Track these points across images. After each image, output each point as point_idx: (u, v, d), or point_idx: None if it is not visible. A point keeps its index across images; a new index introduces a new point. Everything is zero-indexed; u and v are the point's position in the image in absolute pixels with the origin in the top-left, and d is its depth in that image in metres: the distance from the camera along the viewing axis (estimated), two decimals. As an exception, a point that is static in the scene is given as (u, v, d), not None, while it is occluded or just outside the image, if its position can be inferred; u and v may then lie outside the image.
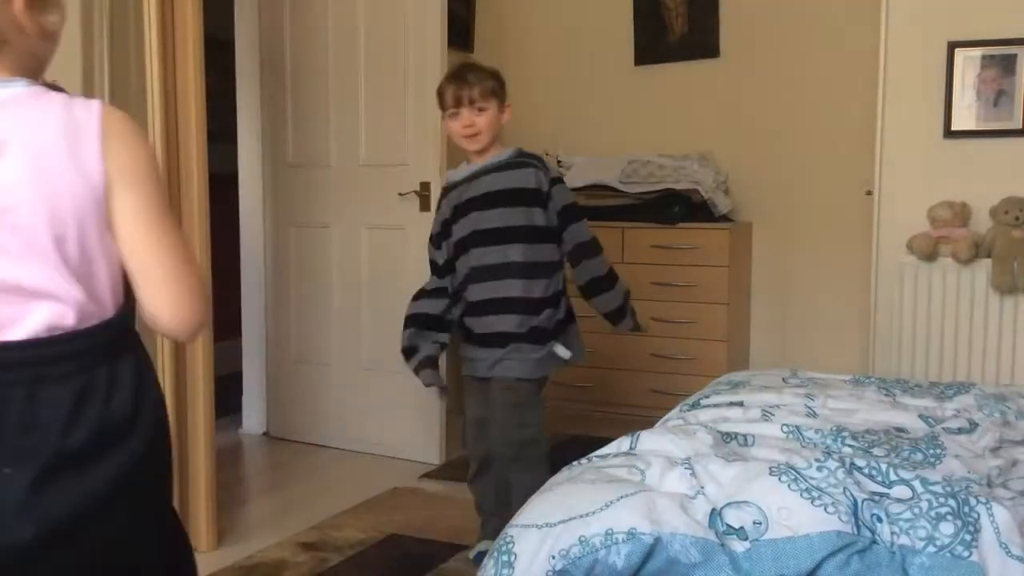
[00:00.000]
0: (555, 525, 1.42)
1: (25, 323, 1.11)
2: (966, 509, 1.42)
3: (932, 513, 1.41)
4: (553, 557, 1.38)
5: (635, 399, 4.24)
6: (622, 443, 1.76)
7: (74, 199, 1.10)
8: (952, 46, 3.34)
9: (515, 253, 2.62)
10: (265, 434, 4.13)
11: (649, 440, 1.74)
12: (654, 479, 1.56)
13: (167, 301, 1.16)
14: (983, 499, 1.44)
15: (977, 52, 3.32)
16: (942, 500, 1.44)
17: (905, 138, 3.44)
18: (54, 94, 1.16)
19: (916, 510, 1.43)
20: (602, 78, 4.78)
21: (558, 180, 2.74)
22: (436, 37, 3.57)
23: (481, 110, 2.60)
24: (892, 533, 1.40)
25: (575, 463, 1.71)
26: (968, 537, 1.37)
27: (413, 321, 2.79)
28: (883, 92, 3.46)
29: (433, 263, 2.83)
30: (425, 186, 3.63)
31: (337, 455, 3.83)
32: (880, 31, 3.46)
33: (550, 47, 4.88)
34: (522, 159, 2.68)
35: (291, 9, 3.93)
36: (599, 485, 1.52)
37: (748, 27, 4.43)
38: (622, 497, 1.44)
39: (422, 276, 3.72)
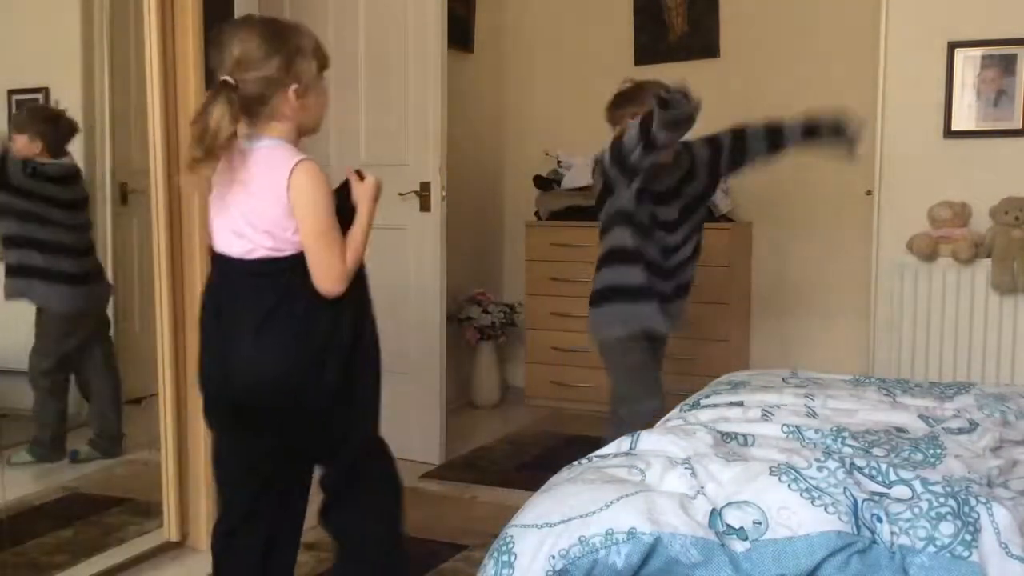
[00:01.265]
0: (555, 525, 1.42)
1: (254, 252, 1.86)
2: (966, 509, 1.42)
3: (932, 513, 1.41)
4: (553, 557, 1.38)
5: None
6: (622, 443, 1.76)
7: (274, 211, 1.84)
8: (952, 46, 3.34)
9: None
10: (265, 434, 4.12)
11: (649, 440, 1.74)
12: (654, 479, 1.56)
13: (314, 274, 1.85)
14: (983, 499, 1.44)
15: (977, 52, 3.32)
16: (942, 500, 1.44)
17: (905, 138, 3.45)
18: (282, 150, 1.86)
19: (916, 510, 1.43)
20: (602, 78, 4.76)
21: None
22: (436, 37, 3.56)
23: None
24: (892, 533, 1.40)
25: (575, 463, 1.71)
26: (968, 537, 1.37)
27: None
28: (883, 92, 3.46)
29: None
30: (425, 186, 3.63)
31: (337, 455, 3.83)
32: (880, 31, 3.46)
33: (550, 47, 4.88)
34: None
35: (291, 9, 3.92)
36: (599, 485, 1.52)
37: (748, 27, 4.43)
38: (622, 497, 1.44)
39: (422, 276, 3.73)
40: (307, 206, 1.82)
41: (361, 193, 1.98)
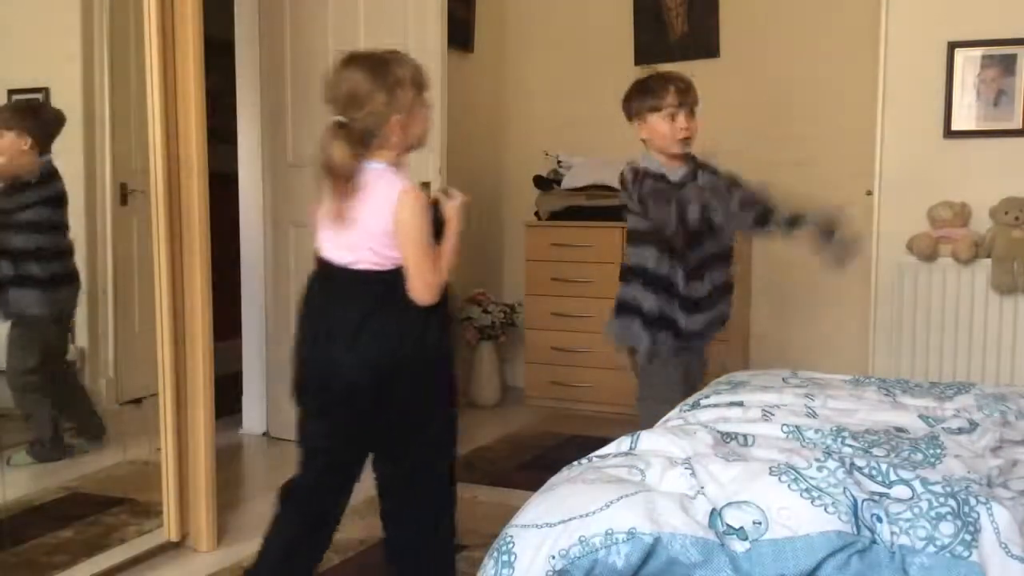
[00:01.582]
0: (555, 525, 1.42)
1: (359, 264, 2.09)
2: (966, 509, 1.42)
3: (932, 513, 1.41)
4: (553, 557, 1.38)
5: (635, 399, 4.23)
6: (622, 443, 1.76)
7: (378, 230, 2.06)
8: (952, 46, 3.34)
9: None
10: (265, 434, 4.13)
11: (649, 440, 1.74)
12: (654, 479, 1.56)
13: (412, 284, 2.07)
14: (983, 499, 1.44)
15: (977, 52, 3.32)
16: (942, 500, 1.44)
17: (905, 138, 3.44)
18: (388, 176, 2.08)
19: (916, 510, 1.43)
20: (602, 78, 4.77)
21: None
22: (436, 37, 3.57)
23: (693, 116, 2.69)
24: (892, 533, 1.40)
25: (575, 463, 1.71)
26: (968, 537, 1.37)
27: None
28: (883, 92, 3.46)
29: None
30: (425, 186, 3.63)
31: (337, 455, 3.83)
32: (880, 31, 3.46)
33: (550, 47, 4.88)
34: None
35: (291, 9, 3.93)
36: (599, 485, 1.52)
37: (748, 27, 4.44)
38: (622, 497, 1.44)
39: (422, 276, 3.72)
40: (409, 226, 2.05)
41: (449, 210, 2.17)
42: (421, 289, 2.06)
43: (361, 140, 2.07)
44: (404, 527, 2.25)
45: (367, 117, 2.06)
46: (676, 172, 2.71)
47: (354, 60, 2.11)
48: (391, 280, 2.07)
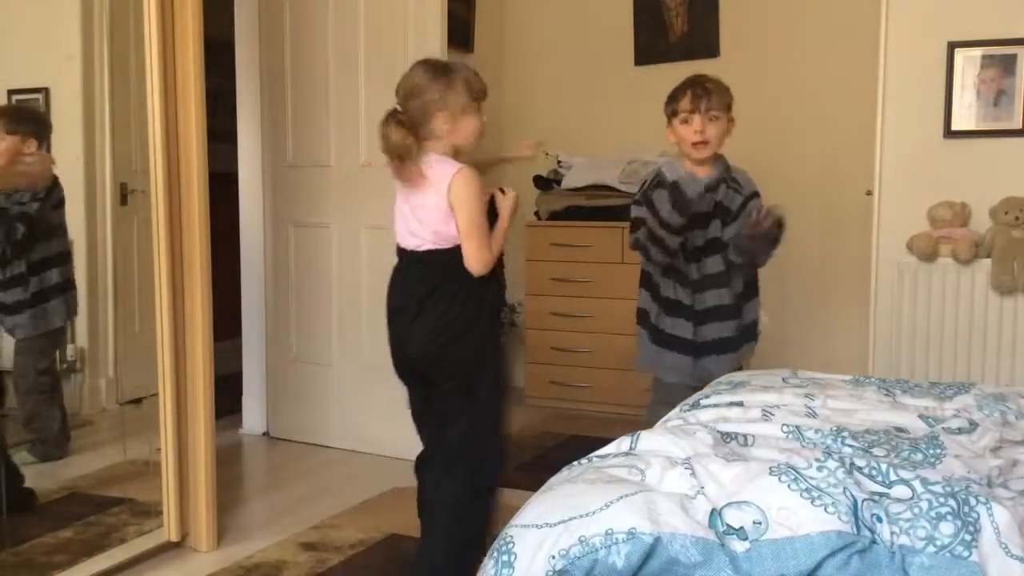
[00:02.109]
0: (555, 525, 1.42)
1: (423, 246, 2.38)
2: (966, 509, 1.42)
3: (932, 513, 1.41)
4: (553, 557, 1.38)
5: (635, 399, 4.23)
6: (622, 443, 1.76)
7: (438, 212, 2.33)
8: (952, 46, 3.34)
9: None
10: (265, 434, 4.13)
11: (649, 440, 1.74)
12: (654, 479, 1.56)
13: (467, 257, 2.34)
14: (983, 499, 1.44)
15: (977, 52, 3.32)
16: (942, 500, 1.44)
17: (905, 138, 3.44)
18: (443, 162, 2.34)
19: (916, 510, 1.43)
20: (602, 78, 4.78)
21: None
22: (436, 37, 3.56)
23: (714, 121, 2.68)
24: (892, 533, 1.40)
25: (575, 463, 1.71)
26: (968, 537, 1.37)
27: None
28: (883, 92, 3.46)
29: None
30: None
31: (337, 455, 3.83)
32: (880, 31, 3.46)
33: (550, 47, 4.88)
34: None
35: (291, 9, 3.93)
36: (599, 485, 1.52)
37: (748, 27, 4.43)
38: (622, 497, 1.44)
39: (422, 276, 3.73)
40: (464, 203, 2.30)
41: (503, 203, 2.45)
42: (474, 262, 2.32)
43: (412, 127, 2.33)
44: (441, 492, 2.42)
45: (418, 107, 2.33)
46: (699, 179, 2.69)
47: (424, 62, 2.41)
48: (451, 258, 2.34)
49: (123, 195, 3.23)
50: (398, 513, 3.14)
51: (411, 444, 3.77)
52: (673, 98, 2.73)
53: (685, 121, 2.68)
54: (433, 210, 2.34)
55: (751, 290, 2.83)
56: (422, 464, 2.53)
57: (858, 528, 1.39)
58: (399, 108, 2.36)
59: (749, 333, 2.83)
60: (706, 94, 2.67)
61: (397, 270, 2.50)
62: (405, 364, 2.48)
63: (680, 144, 2.73)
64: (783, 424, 1.85)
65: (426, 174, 2.33)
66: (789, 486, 1.45)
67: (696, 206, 2.67)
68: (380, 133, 2.34)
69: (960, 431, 1.86)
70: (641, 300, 2.86)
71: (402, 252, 2.47)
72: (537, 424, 4.32)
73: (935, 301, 3.36)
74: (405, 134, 2.31)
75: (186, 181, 2.77)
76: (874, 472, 1.54)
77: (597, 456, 1.73)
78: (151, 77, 2.66)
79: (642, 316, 2.86)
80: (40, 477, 3.05)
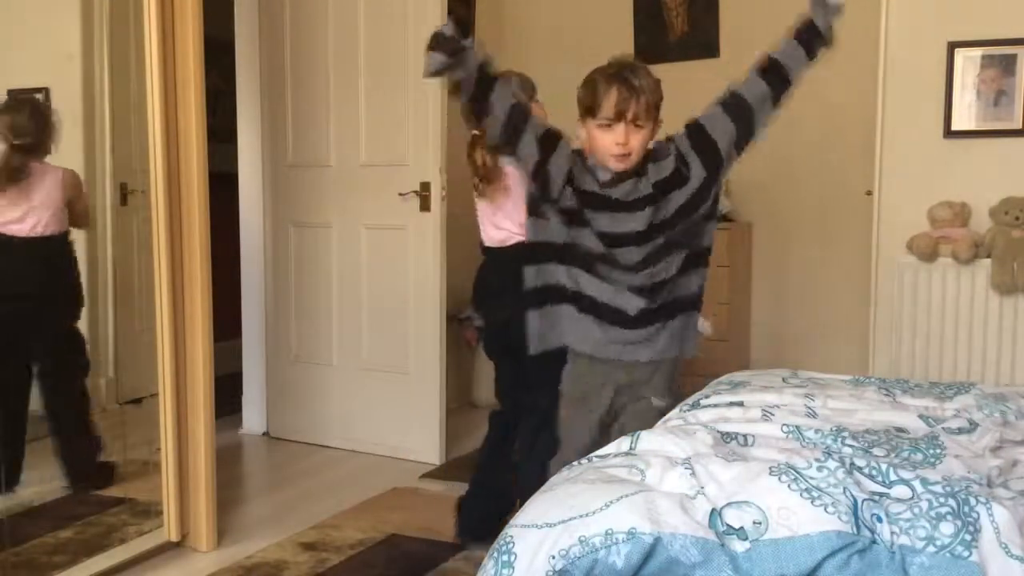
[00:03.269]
0: (555, 525, 1.42)
1: (508, 240, 2.73)
2: (966, 509, 1.42)
3: (932, 513, 1.41)
4: (553, 557, 1.38)
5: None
6: (622, 443, 1.76)
7: (518, 210, 2.48)
8: (952, 46, 3.34)
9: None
10: (265, 434, 4.13)
11: (649, 440, 1.74)
12: (654, 479, 1.56)
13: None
14: (983, 499, 1.44)
15: (977, 52, 3.32)
16: (942, 500, 1.44)
17: (905, 138, 3.44)
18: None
19: (916, 510, 1.43)
20: (602, 78, 4.77)
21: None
22: (436, 37, 3.56)
23: (639, 129, 2.13)
24: (892, 533, 1.40)
25: (575, 463, 1.71)
26: (968, 537, 1.37)
27: None
28: (883, 92, 3.46)
29: None
30: (425, 186, 3.63)
31: (337, 455, 3.83)
32: (880, 31, 3.46)
33: (550, 47, 4.87)
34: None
35: (291, 9, 3.93)
36: (599, 485, 1.51)
37: (748, 27, 4.42)
38: (622, 497, 1.44)
39: (422, 276, 3.73)
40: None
41: None
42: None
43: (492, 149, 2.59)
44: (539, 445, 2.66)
45: None
46: (617, 188, 2.16)
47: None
48: (518, 249, 2.53)
49: (123, 195, 3.22)
50: (398, 513, 3.14)
51: (411, 444, 3.79)
52: (592, 91, 2.16)
53: (606, 127, 2.12)
54: (513, 210, 2.61)
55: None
56: (501, 423, 2.95)
57: (858, 528, 1.39)
58: (477, 132, 2.58)
59: None
60: (634, 96, 2.11)
61: (483, 265, 2.85)
62: (491, 346, 2.98)
63: (593, 147, 2.16)
64: (783, 424, 1.85)
65: (505, 181, 2.63)
66: (789, 486, 1.45)
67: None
68: (468, 159, 2.67)
69: (960, 431, 1.86)
70: None
71: (484, 247, 2.81)
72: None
73: (935, 301, 3.36)
74: (491, 155, 2.61)
75: (186, 181, 2.77)
76: (874, 472, 1.54)
77: (597, 456, 1.73)
78: (151, 77, 2.66)
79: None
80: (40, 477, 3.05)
